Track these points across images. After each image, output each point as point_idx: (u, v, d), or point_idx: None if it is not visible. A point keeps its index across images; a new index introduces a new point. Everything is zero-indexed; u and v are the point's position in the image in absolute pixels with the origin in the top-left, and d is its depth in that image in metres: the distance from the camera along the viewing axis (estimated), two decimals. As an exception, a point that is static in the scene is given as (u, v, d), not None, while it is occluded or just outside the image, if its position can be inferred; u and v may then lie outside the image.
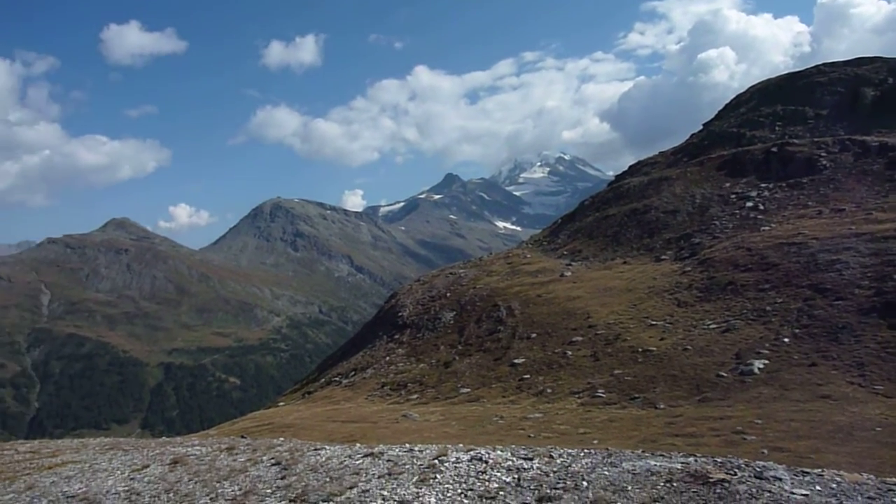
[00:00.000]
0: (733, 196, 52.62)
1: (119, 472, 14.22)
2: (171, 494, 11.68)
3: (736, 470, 9.27)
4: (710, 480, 8.76)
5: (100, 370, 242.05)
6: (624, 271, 48.86)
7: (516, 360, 38.04)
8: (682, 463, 9.89)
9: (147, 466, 14.38)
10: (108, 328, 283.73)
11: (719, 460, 10.00)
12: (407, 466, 11.23)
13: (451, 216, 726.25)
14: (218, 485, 11.86)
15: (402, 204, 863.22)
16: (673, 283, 41.61)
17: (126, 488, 12.51)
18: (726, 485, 8.59)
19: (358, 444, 14.93)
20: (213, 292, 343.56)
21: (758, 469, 9.28)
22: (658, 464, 9.89)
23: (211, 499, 11.00)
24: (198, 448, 16.53)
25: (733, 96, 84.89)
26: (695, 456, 10.64)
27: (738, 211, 49.96)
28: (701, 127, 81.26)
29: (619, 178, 77.40)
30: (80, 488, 12.98)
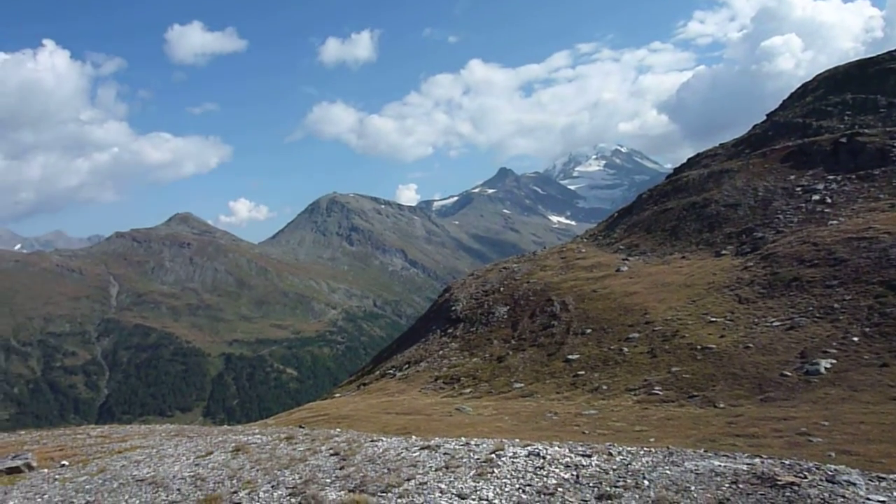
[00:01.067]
0: (799, 189, 50.65)
1: (185, 457, 14.70)
2: (234, 481, 12.00)
3: (805, 473, 8.91)
4: (779, 483, 8.44)
5: (164, 360, 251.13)
6: (682, 266, 47.72)
7: (571, 356, 37.64)
8: (747, 464, 9.58)
9: (211, 453, 14.82)
10: (173, 319, 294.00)
11: (787, 462, 9.63)
12: (464, 460, 11.23)
13: (505, 210, 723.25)
14: (279, 473, 12.12)
15: (455, 198, 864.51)
16: (734, 279, 40.40)
17: (192, 474, 12.92)
18: (796, 488, 8.26)
19: (414, 437, 15.03)
20: (272, 285, 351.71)
21: (829, 473, 8.88)
22: (722, 464, 9.60)
23: (272, 486, 11.25)
24: (258, 437, 16.94)
25: (799, 85, 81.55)
26: (760, 457, 10.29)
27: (803, 204, 48.07)
28: (764, 117, 78.48)
29: (677, 170, 75.50)
30: (148, 472, 13.47)
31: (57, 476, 14.02)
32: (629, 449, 11.29)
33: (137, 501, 11.47)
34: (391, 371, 50.24)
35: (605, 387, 32.16)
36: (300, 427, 20.86)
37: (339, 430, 18.53)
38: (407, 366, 49.33)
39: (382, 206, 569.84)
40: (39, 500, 12.24)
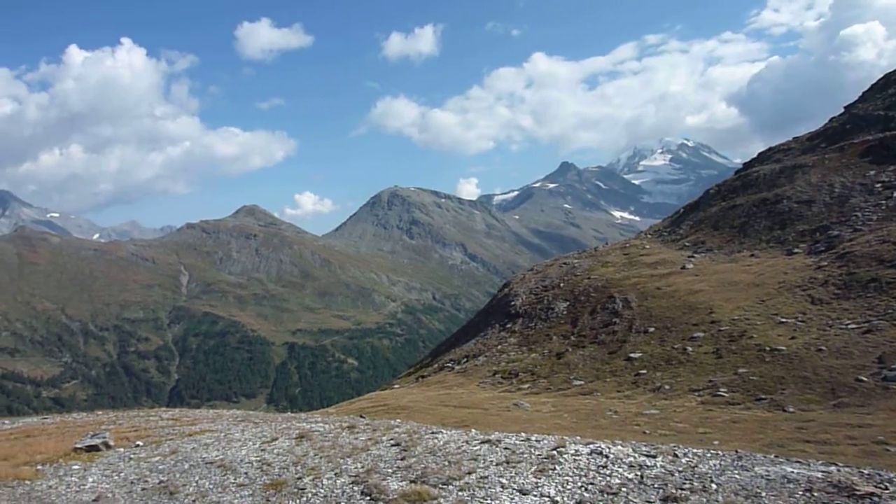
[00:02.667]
0: (878, 185, 48.10)
1: (251, 442, 15.17)
2: (298, 467, 12.30)
3: (886, 484, 8.47)
4: (857, 493, 8.05)
5: (231, 347, 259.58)
6: (751, 265, 46.10)
7: (632, 354, 36.95)
8: (822, 471, 9.19)
9: (276, 439, 15.24)
10: (239, 308, 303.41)
11: (866, 472, 9.19)
12: (525, 455, 11.18)
13: (566, 205, 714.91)
14: (342, 461, 12.35)
15: (516, 192, 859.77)
16: (806, 279, 38.77)
17: (258, 458, 13.33)
18: (876, 499, 7.87)
19: (473, 430, 15.06)
20: (334, 277, 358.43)
21: (913, 484, 8.44)
22: (795, 471, 9.24)
23: (336, 474, 11.48)
24: (321, 425, 17.31)
25: (881, 76, 77.14)
26: (836, 465, 9.86)
27: (883, 201, 45.62)
28: (842, 110, 74.69)
29: (747, 165, 72.82)
30: (217, 455, 13.97)
31: (132, 455, 14.71)
32: (695, 451, 11.01)
33: (207, 483, 11.90)
34: (449, 364, 50.45)
35: (667, 386, 31.44)
36: (361, 417, 21.20)
37: (398, 420, 18.76)
38: (465, 360, 49.43)
39: (443, 200, 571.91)
40: (116, 477, 12.87)
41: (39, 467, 13.89)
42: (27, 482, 12.75)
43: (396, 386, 52.58)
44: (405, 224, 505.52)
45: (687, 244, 57.47)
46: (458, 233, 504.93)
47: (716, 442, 20.63)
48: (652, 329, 39.53)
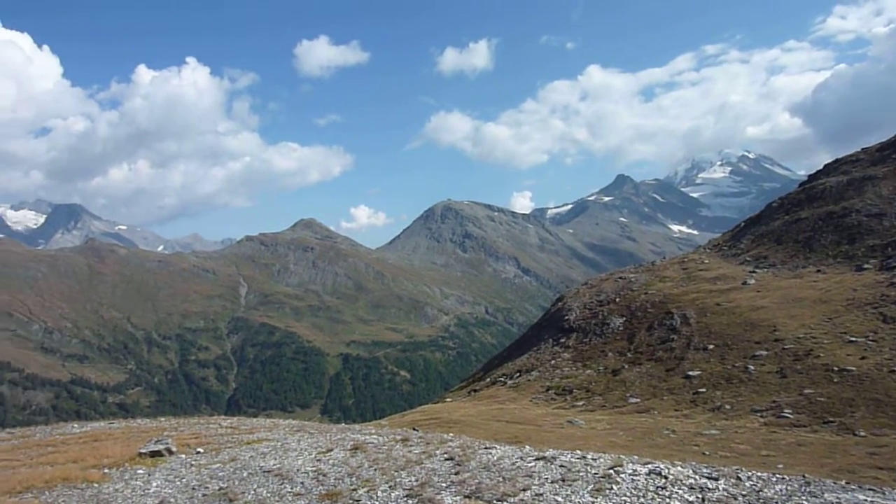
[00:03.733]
0: (957, 198, 45.78)
1: (307, 452, 15.40)
2: (353, 478, 12.41)
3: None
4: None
5: (287, 357, 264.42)
6: (817, 281, 44.39)
7: (691, 372, 35.98)
8: (897, 501, 8.74)
9: (331, 450, 15.43)
10: (295, 319, 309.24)
11: (946, 502, 8.69)
12: (581, 474, 10.99)
13: (622, 219, 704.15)
14: (396, 474, 12.41)
15: (570, 206, 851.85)
16: (878, 296, 37.08)
17: (314, 468, 13.51)
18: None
19: (528, 447, 14.91)
20: (388, 289, 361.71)
21: None
22: (868, 499, 8.81)
23: (390, 487, 11.53)
24: (375, 437, 17.44)
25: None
26: (913, 494, 9.35)
27: (963, 216, 43.40)
28: (916, 120, 71.39)
29: (812, 177, 70.32)
30: (274, 464, 14.24)
31: (193, 462, 15.12)
32: (759, 474, 10.61)
33: (265, 491, 12.13)
34: (502, 379, 50.11)
35: (728, 406, 30.47)
36: (414, 430, 21.26)
37: (451, 434, 18.73)
38: (518, 374, 49.02)
39: (496, 214, 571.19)
40: (178, 482, 13.25)
41: (106, 471, 14.42)
42: (95, 485, 13.26)
43: (448, 399, 52.52)
44: (458, 237, 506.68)
45: (748, 259, 55.78)
46: (512, 246, 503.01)
47: (780, 465, 19.88)
48: (711, 346, 38.44)
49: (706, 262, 58.91)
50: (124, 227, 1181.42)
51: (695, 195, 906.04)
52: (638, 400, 35.25)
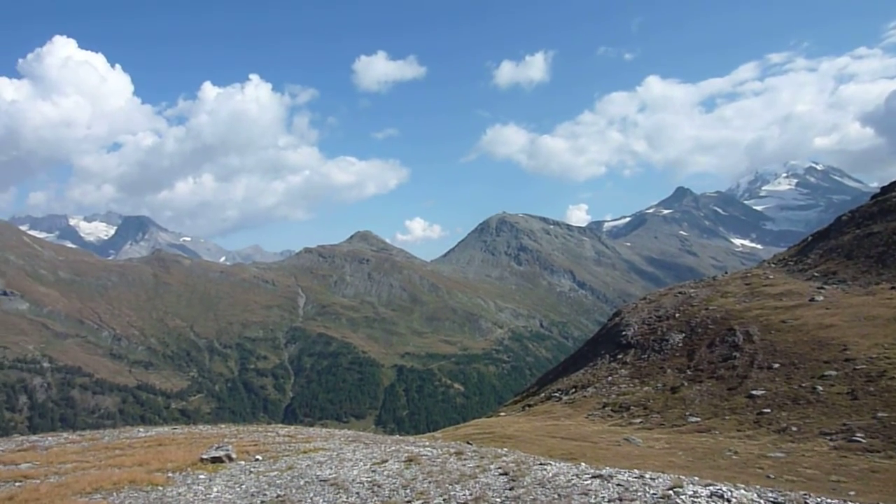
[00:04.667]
0: None
1: (362, 463, 15.57)
2: (407, 491, 12.47)
3: None
4: None
5: (342, 368, 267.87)
6: (892, 298, 42.32)
7: (754, 392, 34.75)
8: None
9: (385, 461, 15.55)
10: (351, 330, 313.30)
11: None
12: (639, 494, 10.75)
13: (682, 232, 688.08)
14: (450, 487, 12.41)
15: (628, 219, 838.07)
16: (959, 316, 35.10)
17: (369, 479, 13.65)
18: None
19: (583, 464, 14.68)
20: (442, 302, 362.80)
21: None
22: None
23: (444, 500, 11.53)
24: (429, 449, 17.48)
25: None
26: None
27: None
28: None
29: (885, 189, 67.23)
30: (330, 474, 14.44)
31: (252, 469, 15.49)
32: (829, 501, 10.16)
33: (321, 500, 12.31)
34: (557, 394, 49.50)
35: (794, 428, 29.29)
36: (468, 443, 21.22)
37: (506, 449, 18.61)
38: (573, 390, 48.34)
39: (551, 227, 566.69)
40: (238, 489, 13.59)
41: (170, 474, 14.92)
42: (160, 488, 13.72)
43: (502, 413, 52.18)
44: (513, 250, 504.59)
45: (816, 274, 53.67)
46: (567, 260, 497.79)
47: (852, 492, 18.99)
48: (777, 365, 37.07)
49: (771, 277, 56.96)
50: (189, 239, 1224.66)
51: (758, 208, 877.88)
52: (698, 419, 34.25)
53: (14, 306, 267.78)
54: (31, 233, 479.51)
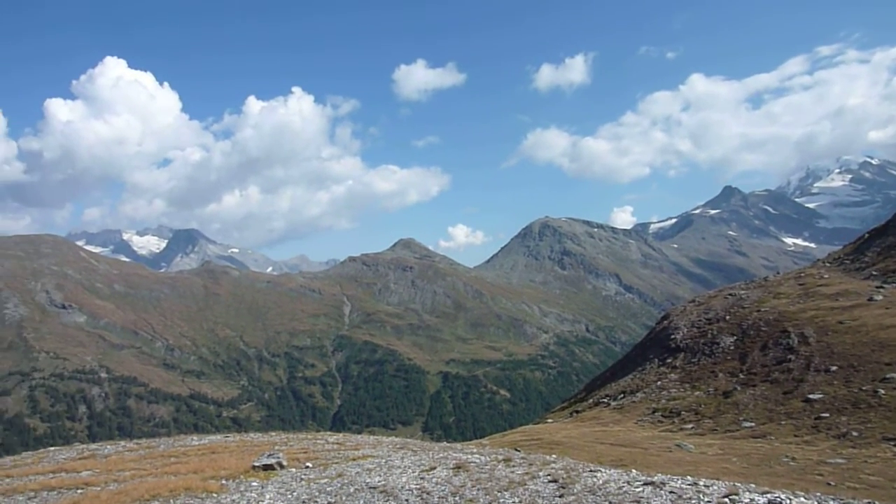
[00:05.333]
0: None
1: (410, 470, 15.62)
2: (456, 498, 12.47)
3: None
4: None
5: (388, 375, 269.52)
6: (957, 297, 40.54)
7: (811, 395, 33.65)
8: None
9: (434, 468, 15.57)
10: (396, 337, 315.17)
11: None
12: (693, 501, 10.51)
13: (731, 232, 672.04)
14: (499, 494, 12.35)
15: (674, 220, 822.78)
16: None
17: (418, 486, 13.69)
18: None
19: (634, 471, 14.44)
20: (486, 308, 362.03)
21: None
22: None
23: (493, 508, 11.49)
24: (477, 456, 17.44)
25: None
26: None
27: None
28: None
29: (947, 184, 64.56)
30: (379, 481, 14.53)
31: (303, 476, 15.70)
32: (893, 509, 9.76)
33: (370, 508, 12.40)
34: (605, 400, 48.82)
35: (855, 433, 28.25)
36: (516, 450, 21.08)
37: (554, 456, 18.42)
38: (622, 395, 47.60)
39: (595, 230, 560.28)
40: (290, 496, 13.79)
41: (224, 482, 15.24)
42: (214, 495, 14.03)
43: (550, 420, 51.72)
44: (556, 254, 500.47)
45: (874, 273, 51.74)
46: (612, 263, 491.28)
47: (918, 500, 18.19)
48: (834, 368, 35.83)
49: (826, 276, 55.14)
50: (237, 250, 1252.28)
51: (811, 206, 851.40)
52: (752, 424, 33.33)
53: (73, 319, 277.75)
54: (88, 248, 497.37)
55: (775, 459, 25.44)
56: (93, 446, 24.82)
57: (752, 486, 11.67)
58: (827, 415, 31.10)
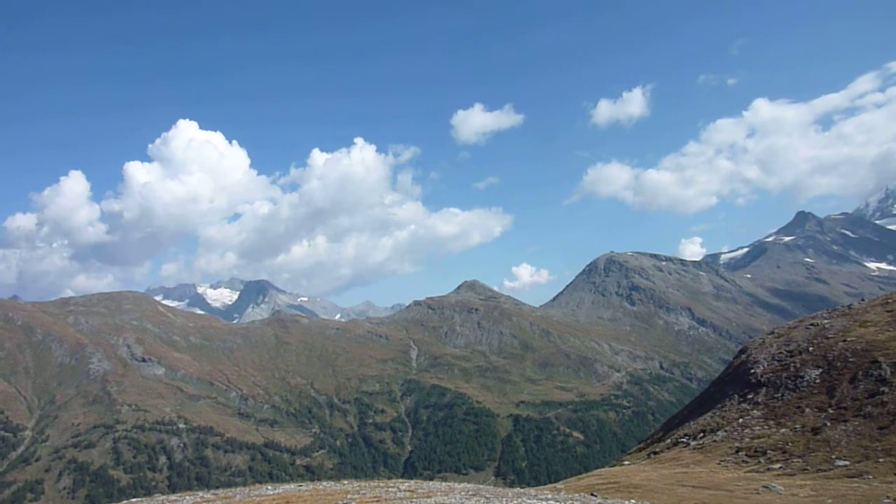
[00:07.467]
0: None
1: (482, 518, 15.26)
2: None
3: None
4: None
5: (458, 419, 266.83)
6: None
7: (911, 430, 31.39)
8: None
9: (506, 516, 15.17)
10: (464, 380, 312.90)
11: None
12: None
13: (807, 259, 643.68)
14: (573, 543, 11.91)
15: (746, 249, 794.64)
16: None
17: (489, 535, 13.34)
18: None
19: (718, 516, 13.68)
20: (554, 347, 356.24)
21: None
22: None
23: (568, 557, 11.07)
24: (552, 501, 16.93)
25: None
26: None
27: None
28: None
29: None
30: (450, 530, 14.25)
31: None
32: None
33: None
34: (684, 439, 46.85)
35: (964, 470, 26.09)
36: (592, 495, 20.38)
37: (633, 500, 17.71)
38: (702, 434, 45.60)
39: (663, 263, 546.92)
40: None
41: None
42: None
43: (626, 462, 49.93)
44: (624, 290, 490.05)
45: (970, 296, 48.44)
46: (683, 296, 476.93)
47: None
48: (934, 399, 33.43)
49: (916, 302, 51.92)
50: (306, 299, 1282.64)
51: (893, 227, 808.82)
52: (847, 462, 31.27)
53: (152, 371, 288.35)
54: (165, 302, 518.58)
55: (875, 500, 23.73)
56: (172, 497, 25.38)
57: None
58: (930, 451, 28.92)
